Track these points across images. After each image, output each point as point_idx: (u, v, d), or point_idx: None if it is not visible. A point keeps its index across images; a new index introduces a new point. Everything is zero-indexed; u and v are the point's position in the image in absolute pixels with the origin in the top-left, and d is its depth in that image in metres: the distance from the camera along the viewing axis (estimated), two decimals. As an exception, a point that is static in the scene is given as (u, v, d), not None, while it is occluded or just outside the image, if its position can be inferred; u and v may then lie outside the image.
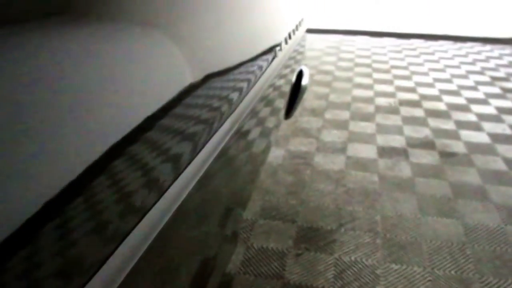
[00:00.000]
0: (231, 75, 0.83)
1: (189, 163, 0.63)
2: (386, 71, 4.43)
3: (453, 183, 2.28)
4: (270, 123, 1.58)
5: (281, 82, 1.69)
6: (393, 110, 3.33)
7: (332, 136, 2.85)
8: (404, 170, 2.42)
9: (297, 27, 1.75)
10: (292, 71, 1.82)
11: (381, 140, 2.80)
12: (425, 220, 1.99)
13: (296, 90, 2.02)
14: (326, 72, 4.38)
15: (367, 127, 2.99)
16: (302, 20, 1.91)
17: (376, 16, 8.33)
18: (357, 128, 2.98)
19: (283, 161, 2.50)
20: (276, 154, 2.59)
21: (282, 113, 1.84)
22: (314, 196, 2.17)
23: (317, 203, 2.12)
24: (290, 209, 2.08)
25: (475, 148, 2.70)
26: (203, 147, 0.69)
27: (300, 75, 2.04)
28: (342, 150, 2.66)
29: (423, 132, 2.93)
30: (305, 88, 2.08)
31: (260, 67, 1.14)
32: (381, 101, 3.54)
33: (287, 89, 1.77)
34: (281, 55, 1.62)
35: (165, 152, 0.54)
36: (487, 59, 5.04)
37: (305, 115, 3.19)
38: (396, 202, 2.13)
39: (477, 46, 5.81)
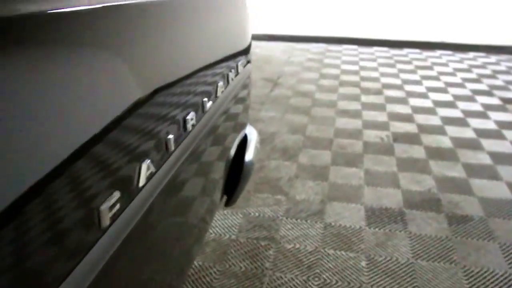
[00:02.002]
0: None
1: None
2: (377, 92, 3.92)
3: (470, 271, 1.75)
4: (199, 214, 1.06)
5: (212, 154, 1.15)
6: (386, 149, 2.80)
7: (307, 191, 2.30)
8: (402, 247, 1.89)
9: (237, 68, 1.22)
10: (231, 138, 1.27)
11: (371, 196, 2.27)
12: None
13: (239, 167, 1.47)
14: (305, 94, 3.85)
15: (353, 176, 2.46)
16: (244, 61, 1.36)
17: (366, 21, 7.88)
18: (340, 177, 2.44)
19: (238, 235, 1.95)
20: (230, 223, 2.04)
21: (218, 197, 1.29)
22: (276, 296, 1.62)
23: (280, 309, 1.56)
24: (240, 320, 1.52)
25: (494, 207, 2.18)
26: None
27: (243, 143, 1.48)
28: (319, 213, 2.12)
29: (425, 183, 2.40)
30: (251, 166, 1.51)
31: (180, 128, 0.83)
32: (371, 135, 3.01)
33: (221, 165, 1.23)
34: (212, 109, 1.08)
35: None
36: (494, 75, 4.58)
37: (275, 158, 2.64)
38: (392, 307, 1.59)
39: (480, 57, 5.36)
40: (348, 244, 1.90)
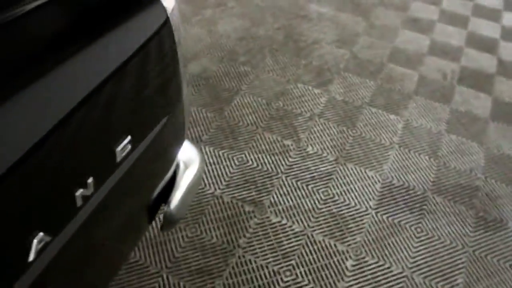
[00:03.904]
0: None
1: None
2: (469, -6, 2.91)
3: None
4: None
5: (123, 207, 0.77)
6: (444, 93, 2.13)
7: (323, 142, 1.82)
8: (405, 251, 1.50)
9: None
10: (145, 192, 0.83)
11: (394, 166, 1.77)
12: None
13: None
14: (377, -18, 2.93)
15: (386, 130, 1.91)
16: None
17: None
18: (370, 126, 1.90)
19: (224, 190, 1.60)
20: (222, 170, 1.69)
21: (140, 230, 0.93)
22: None
23: None
24: None
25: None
26: None
27: (170, 186, 1.04)
28: (326, 177, 1.70)
29: (471, 158, 1.83)
30: (172, 221, 1.03)
31: None
32: (434, 66, 2.29)
33: (140, 211, 0.83)
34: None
35: None
36: None
37: (304, 81, 2.08)
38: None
39: None
40: (343, 232, 1.54)
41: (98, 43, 0.63)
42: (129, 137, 0.69)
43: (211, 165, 1.69)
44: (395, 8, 2.68)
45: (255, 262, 1.43)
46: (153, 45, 0.70)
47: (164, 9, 0.74)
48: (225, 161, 1.71)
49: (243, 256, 1.44)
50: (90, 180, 0.64)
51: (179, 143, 0.94)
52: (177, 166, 0.98)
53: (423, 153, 1.83)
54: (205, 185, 1.62)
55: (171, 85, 0.79)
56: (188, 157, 1.02)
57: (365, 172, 1.73)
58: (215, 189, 1.61)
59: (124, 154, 0.68)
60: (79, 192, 0.62)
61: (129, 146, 0.69)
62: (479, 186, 1.73)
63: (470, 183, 1.74)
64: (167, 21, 0.74)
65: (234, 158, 1.73)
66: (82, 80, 0.61)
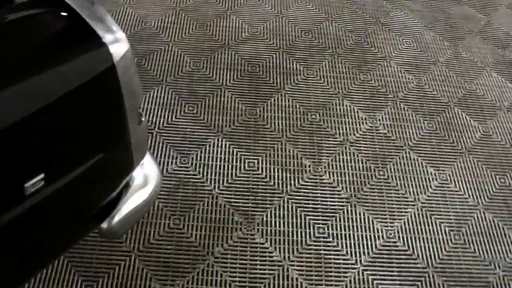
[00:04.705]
0: None
1: None
2: None
3: None
4: None
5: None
6: (503, 163, 1.80)
7: (342, 181, 1.66)
8: None
9: None
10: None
11: (406, 227, 1.57)
12: None
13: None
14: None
15: (419, 182, 1.66)
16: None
17: None
18: (402, 173, 1.66)
19: (223, 191, 1.54)
20: (229, 168, 1.61)
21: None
22: None
23: None
24: None
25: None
26: None
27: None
28: (332, 213, 1.56)
29: (492, 255, 1.58)
30: (111, 234, 0.94)
31: None
32: (507, 126, 1.94)
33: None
34: None
35: None
36: None
37: (352, 98, 1.86)
38: None
39: None
40: (320, 277, 1.44)
41: (27, 81, 0.57)
42: (42, 175, 0.65)
43: (220, 161, 1.63)
44: (494, 41, 2.28)
45: (221, 275, 1.39)
46: (89, 89, 0.64)
47: (109, 55, 0.66)
48: (236, 162, 1.63)
49: (212, 266, 1.40)
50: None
51: (123, 175, 0.88)
52: (127, 185, 0.92)
53: (445, 223, 1.62)
54: (206, 180, 1.58)
55: (110, 127, 0.73)
56: (145, 177, 0.95)
57: (373, 222, 1.57)
58: (214, 187, 1.56)
59: (35, 189, 0.65)
60: None
61: (42, 183, 0.65)
62: (491, 284, 1.51)
63: (483, 276, 1.53)
64: (111, 67, 0.66)
65: (247, 161, 1.64)
66: None
